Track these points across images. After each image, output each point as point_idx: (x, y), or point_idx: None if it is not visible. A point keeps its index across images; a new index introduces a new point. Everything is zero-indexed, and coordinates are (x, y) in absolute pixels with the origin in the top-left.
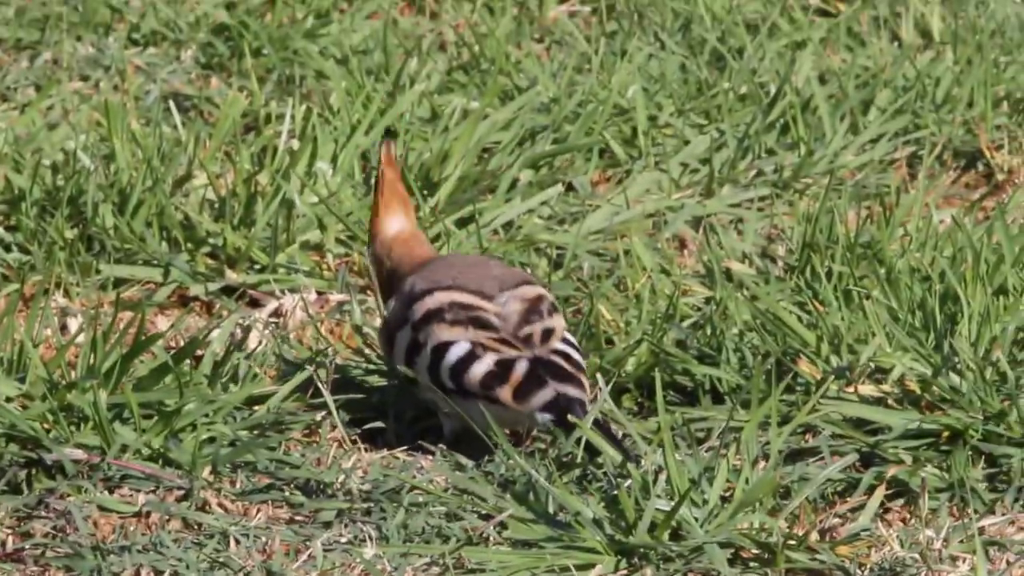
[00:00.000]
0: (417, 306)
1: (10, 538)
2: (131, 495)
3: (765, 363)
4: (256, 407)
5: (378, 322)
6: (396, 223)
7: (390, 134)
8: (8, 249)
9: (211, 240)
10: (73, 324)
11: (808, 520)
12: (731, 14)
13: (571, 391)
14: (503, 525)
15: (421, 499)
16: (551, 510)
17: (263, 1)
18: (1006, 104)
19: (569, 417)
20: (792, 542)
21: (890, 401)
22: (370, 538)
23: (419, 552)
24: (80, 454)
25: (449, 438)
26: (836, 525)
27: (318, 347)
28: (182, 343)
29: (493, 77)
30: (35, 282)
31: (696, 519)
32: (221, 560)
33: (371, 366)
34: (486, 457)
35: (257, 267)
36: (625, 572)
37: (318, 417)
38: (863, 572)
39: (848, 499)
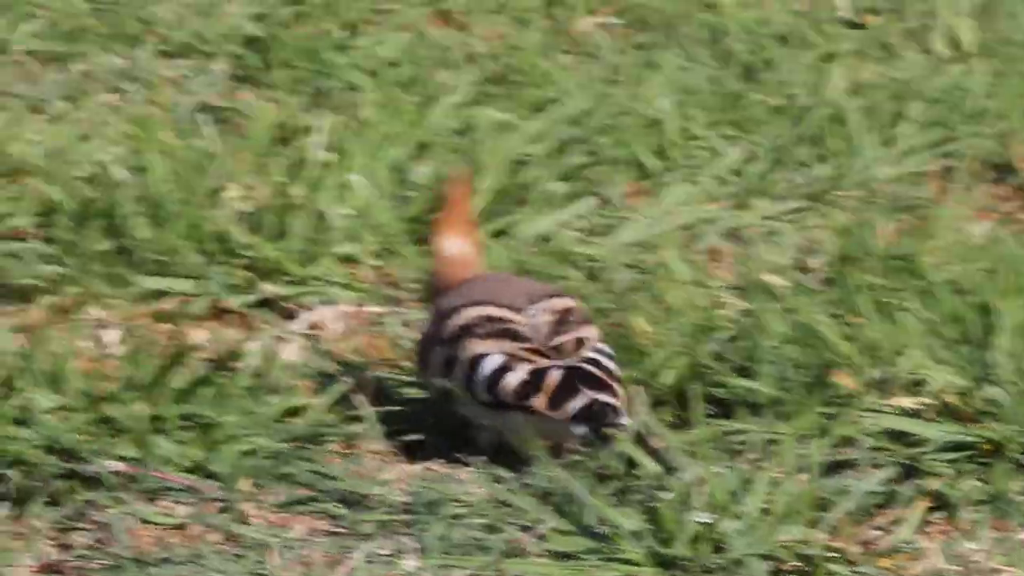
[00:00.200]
0: (449, 322)
1: (51, 550)
2: (171, 507)
3: (803, 375)
4: (294, 419)
5: (416, 335)
6: (453, 246)
7: (468, 163)
8: (43, 261)
9: (245, 252)
10: (109, 336)
11: (848, 533)
12: (761, 26)
13: (605, 398)
14: (543, 537)
15: (461, 511)
16: (590, 522)
17: (293, 13)
18: None
19: (607, 430)
20: (832, 555)
21: (928, 413)
22: (410, 550)
23: (459, 564)
24: (120, 466)
25: (487, 451)
26: (876, 537)
27: (355, 359)
28: (219, 355)
29: (524, 89)
30: (71, 294)
31: (736, 532)
32: (261, 572)
33: (409, 378)
34: (525, 469)
35: (291, 279)
36: None
37: (357, 429)
38: None
39: (888, 511)
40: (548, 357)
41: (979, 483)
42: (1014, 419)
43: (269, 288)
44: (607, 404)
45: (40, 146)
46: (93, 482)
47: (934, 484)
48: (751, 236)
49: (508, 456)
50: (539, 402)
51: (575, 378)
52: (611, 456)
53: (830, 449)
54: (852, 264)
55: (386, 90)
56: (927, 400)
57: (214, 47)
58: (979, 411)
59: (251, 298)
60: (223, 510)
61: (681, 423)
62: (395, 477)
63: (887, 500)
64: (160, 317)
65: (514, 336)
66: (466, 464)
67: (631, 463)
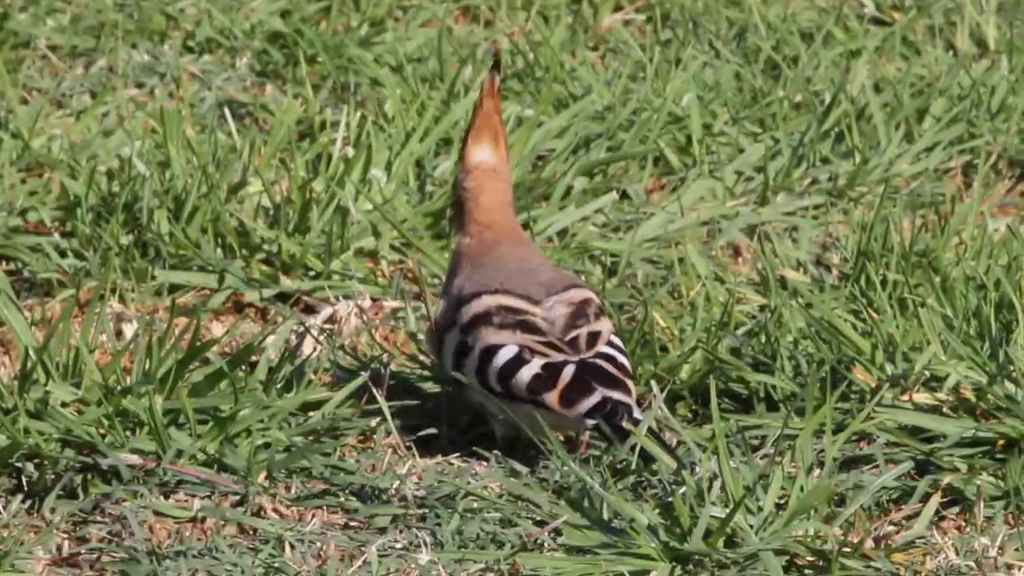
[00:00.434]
0: (465, 309)
1: (66, 543)
2: (186, 500)
3: (820, 371)
4: (311, 413)
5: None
6: (481, 154)
7: (496, 66)
8: (64, 255)
9: (266, 247)
10: (128, 330)
11: (863, 527)
12: (786, 23)
13: (617, 396)
14: (558, 531)
15: (476, 505)
16: (606, 516)
17: (318, 9)
18: None
19: (624, 424)
20: (847, 549)
21: (945, 409)
22: (425, 544)
23: (474, 558)
24: (136, 459)
25: (501, 444)
26: (891, 533)
27: (373, 353)
28: (237, 349)
29: (547, 85)
30: (91, 288)
31: (751, 526)
32: (276, 566)
33: (425, 372)
34: (540, 463)
35: (312, 274)
36: None
37: (373, 423)
38: None
39: (903, 507)
40: (562, 351)
41: (994, 479)
42: None
43: (289, 283)
44: (620, 402)
45: (63, 140)
46: (109, 475)
47: (949, 479)
48: (771, 232)
49: (523, 450)
50: (552, 398)
51: (588, 375)
52: (627, 451)
53: (846, 444)
54: (871, 260)
55: (409, 86)
56: (943, 396)
57: (239, 43)
58: (996, 407)
59: (271, 292)
60: (238, 504)
61: (698, 418)
62: (410, 471)
63: (902, 495)
64: (180, 311)
65: (530, 328)
66: (481, 458)
67: (647, 457)
